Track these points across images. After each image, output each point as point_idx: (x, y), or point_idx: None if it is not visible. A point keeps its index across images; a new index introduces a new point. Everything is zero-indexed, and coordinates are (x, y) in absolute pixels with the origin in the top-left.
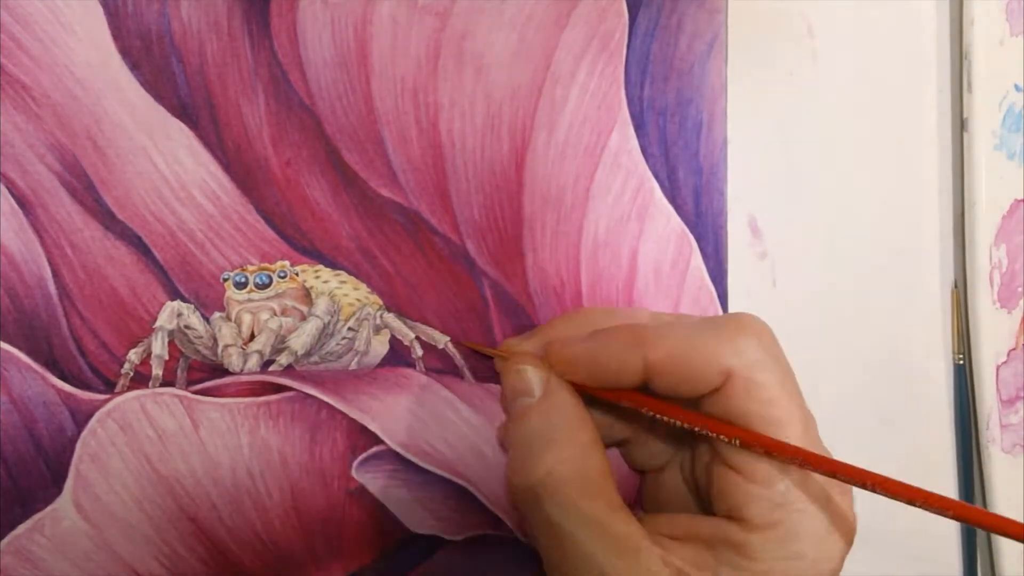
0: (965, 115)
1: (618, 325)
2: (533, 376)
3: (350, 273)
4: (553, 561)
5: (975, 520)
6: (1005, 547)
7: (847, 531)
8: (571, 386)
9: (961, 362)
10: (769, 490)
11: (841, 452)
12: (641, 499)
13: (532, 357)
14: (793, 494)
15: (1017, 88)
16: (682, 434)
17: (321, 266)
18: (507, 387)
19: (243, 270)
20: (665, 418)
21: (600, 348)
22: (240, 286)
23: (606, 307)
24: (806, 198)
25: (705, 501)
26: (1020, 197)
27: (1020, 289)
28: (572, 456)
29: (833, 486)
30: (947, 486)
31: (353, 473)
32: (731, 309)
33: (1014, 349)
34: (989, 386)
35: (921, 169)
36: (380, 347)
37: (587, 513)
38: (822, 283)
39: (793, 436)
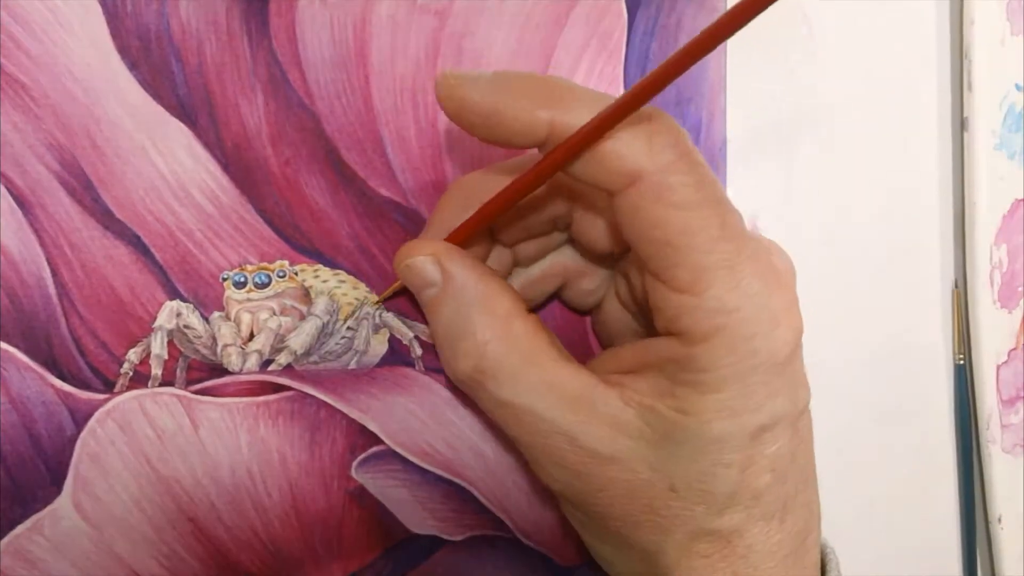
0: (965, 115)
1: (524, 75)
2: (425, 264)
3: (349, 272)
4: (520, 439)
5: None
6: (1005, 547)
7: (792, 317)
8: (471, 257)
9: (961, 362)
10: (700, 298)
11: (841, 451)
12: (597, 339)
13: (419, 244)
14: (725, 297)
15: (1017, 87)
16: (609, 260)
17: (320, 265)
18: (407, 284)
19: (242, 269)
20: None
21: (502, 98)
22: (239, 285)
23: (483, 168)
24: (806, 198)
25: (649, 325)
26: (1020, 197)
27: (1021, 289)
28: (496, 332)
29: (771, 281)
30: (947, 486)
31: (352, 473)
32: None
33: (1014, 349)
34: (989, 386)
35: (921, 169)
36: (379, 346)
37: (533, 380)
38: (822, 283)
39: (706, 240)
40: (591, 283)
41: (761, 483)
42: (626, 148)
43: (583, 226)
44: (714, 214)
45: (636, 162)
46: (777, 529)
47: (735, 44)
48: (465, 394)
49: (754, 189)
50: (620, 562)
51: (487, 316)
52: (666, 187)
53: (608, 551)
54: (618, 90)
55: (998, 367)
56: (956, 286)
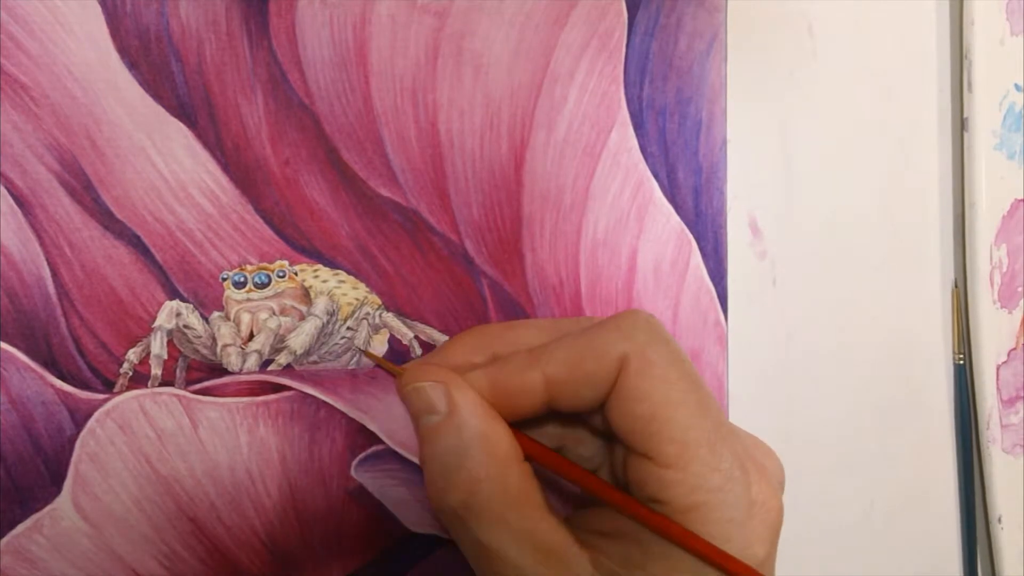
0: (965, 115)
1: (514, 353)
2: (433, 392)
3: (349, 272)
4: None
5: None
6: (1005, 547)
7: (771, 516)
8: (478, 395)
9: (961, 362)
10: (683, 472)
11: (841, 452)
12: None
13: (429, 370)
14: (707, 475)
15: (1017, 88)
16: (611, 434)
17: (320, 265)
18: (409, 408)
19: (242, 269)
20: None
21: (497, 374)
22: (239, 285)
23: (503, 322)
24: (806, 198)
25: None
26: (1020, 197)
27: (1020, 289)
28: (490, 473)
29: (752, 471)
30: (947, 486)
31: (352, 472)
32: (731, 309)
33: (1014, 349)
34: (989, 386)
35: (921, 169)
36: (379, 346)
37: (513, 528)
38: (822, 283)
39: (686, 414)
40: (589, 451)
41: None
42: (608, 342)
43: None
44: (691, 389)
45: (620, 349)
46: None
47: (736, 45)
48: None
49: (754, 189)
50: None
51: (486, 455)
52: (647, 361)
53: None
54: (618, 89)
55: (998, 367)
56: (956, 286)
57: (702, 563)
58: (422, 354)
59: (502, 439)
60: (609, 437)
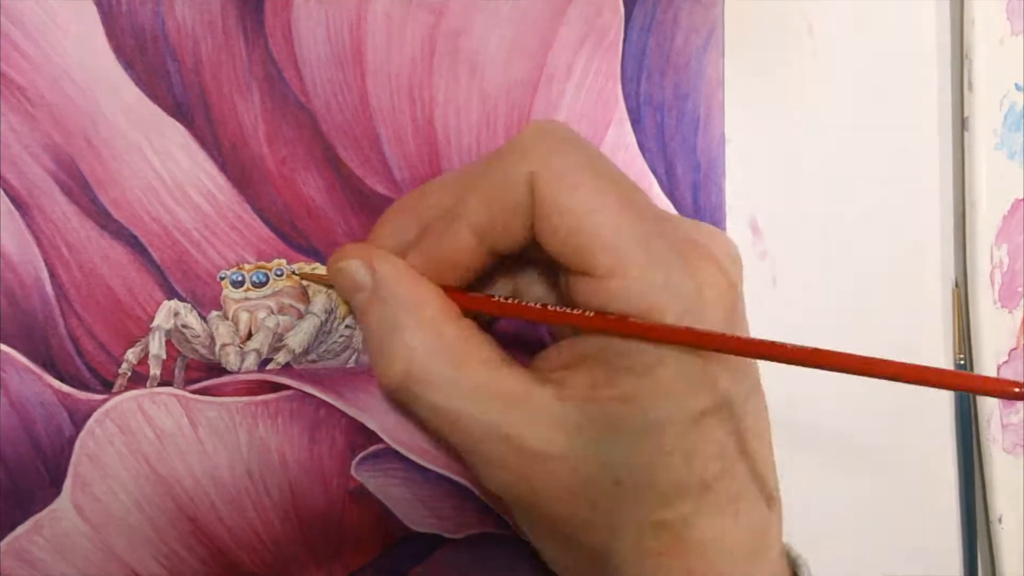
0: (965, 114)
1: (434, 221)
2: (355, 268)
3: None
4: (460, 445)
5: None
6: (1005, 547)
7: (725, 295)
8: (404, 264)
9: (962, 362)
10: (624, 279)
11: (841, 451)
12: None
13: (350, 248)
14: (648, 275)
15: (1017, 87)
16: (558, 268)
17: (318, 264)
18: (339, 292)
19: (240, 268)
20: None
21: (428, 245)
22: (237, 284)
23: (415, 189)
24: (806, 198)
25: None
26: (1020, 196)
27: (1021, 289)
28: (425, 338)
29: (694, 257)
30: (947, 486)
31: (352, 472)
32: None
33: (1015, 349)
34: None
35: (921, 169)
36: None
37: (466, 384)
38: (822, 283)
39: (611, 216)
40: (540, 292)
41: (708, 473)
42: (512, 168)
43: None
44: (610, 189)
45: (522, 169)
46: (732, 526)
47: (734, 43)
48: None
49: (754, 189)
50: (571, 566)
51: (416, 321)
52: (554, 173)
53: (559, 555)
54: (615, 85)
55: (998, 367)
56: (956, 286)
57: (671, 355)
58: None
59: (430, 300)
60: (555, 268)
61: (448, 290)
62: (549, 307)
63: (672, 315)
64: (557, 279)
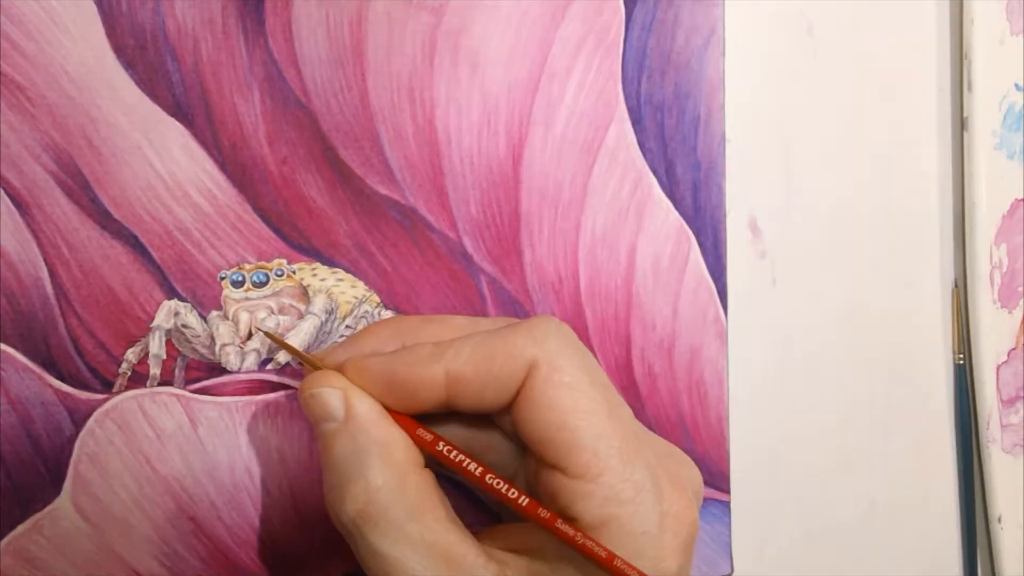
0: (965, 115)
1: (419, 344)
2: (331, 397)
3: (347, 271)
4: None
5: None
6: (1005, 547)
7: (683, 528)
8: (377, 403)
9: (961, 362)
10: (594, 483)
11: (841, 452)
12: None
13: (328, 376)
14: (618, 487)
15: (1017, 87)
16: (523, 444)
17: (318, 264)
18: (307, 414)
19: (240, 268)
20: (463, 473)
21: (398, 363)
22: (237, 284)
23: (423, 315)
24: (806, 197)
25: None
26: (1020, 196)
27: (1020, 289)
28: (387, 481)
29: (664, 482)
30: (947, 486)
31: None
32: (731, 309)
33: (1014, 349)
34: (989, 386)
35: (921, 169)
36: None
37: (414, 537)
38: (822, 283)
39: (597, 423)
40: (499, 459)
41: None
42: (517, 346)
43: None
44: (602, 398)
45: (529, 354)
46: None
47: (734, 43)
48: None
49: (754, 189)
50: None
51: (383, 463)
52: (556, 368)
53: None
54: (615, 85)
55: (998, 367)
56: (956, 286)
57: None
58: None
59: (399, 446)
60: (522, 445)
61: (411, 427)
62: (497, 482)
63: (630, 532)
64: (519, 454)
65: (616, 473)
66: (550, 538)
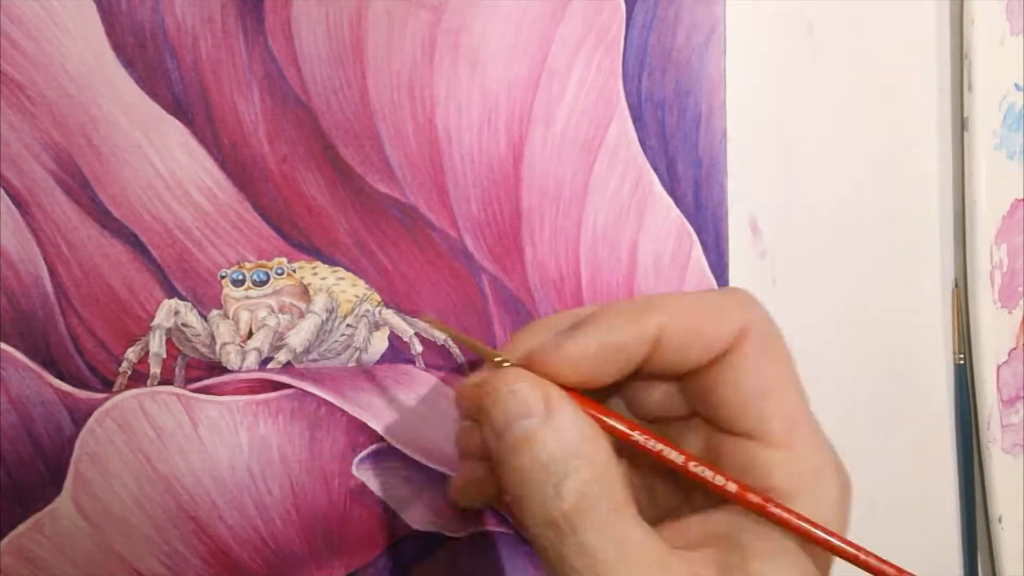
0: (965, 114)
1: (614, 302)
2: (531, 394)
3: (348, 269)
4: None
5: None
6: (1005, 547)
7: (850, 497)
8: (571, 397)
9: (961, 362)
10: (792, 452)
11: (841, 451)
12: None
13: (520, 372)
14: (813, 456)
15: (1017, 87)
16: (706, 413)
17: (319, 263)
18: (499, 412)
19: (240, 267)
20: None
21: (599, 330)
22: (237, 283)
23: (568, 310)
24: (806, 197)
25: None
26: (1020, 196)
27: (1021, 289)
28: (597, 475)
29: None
30: (947, 486)
31: (353, 470)
32: None
33: (1015, 349)
34: (989, 386)
35: (921, 169)
36: (379, 343)
37: (619, 533)
38: (822, 283)
39: (796, 394)
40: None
41: None
42: (728, 307)
43: (637, 394)
44: (794, 371)
45: (741, 317)
46: None
47: (734, 43)
48: None
49: (754, 188)
50: None
51: (594, 458)
52: (767, 335)
53: None
54: (616, 82)
55: (998, 367)
56: (956, 286)
57: (805, 554)
58: (422, 351)
59: (604, 439)
60: (683, 421)
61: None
62: (702, 469)
63: (822, 502)
64: (679, 432)
65: (811, 443)
66: (732, 522)
